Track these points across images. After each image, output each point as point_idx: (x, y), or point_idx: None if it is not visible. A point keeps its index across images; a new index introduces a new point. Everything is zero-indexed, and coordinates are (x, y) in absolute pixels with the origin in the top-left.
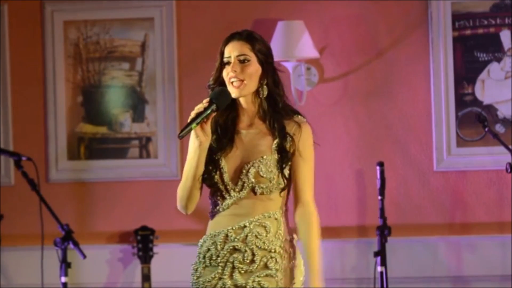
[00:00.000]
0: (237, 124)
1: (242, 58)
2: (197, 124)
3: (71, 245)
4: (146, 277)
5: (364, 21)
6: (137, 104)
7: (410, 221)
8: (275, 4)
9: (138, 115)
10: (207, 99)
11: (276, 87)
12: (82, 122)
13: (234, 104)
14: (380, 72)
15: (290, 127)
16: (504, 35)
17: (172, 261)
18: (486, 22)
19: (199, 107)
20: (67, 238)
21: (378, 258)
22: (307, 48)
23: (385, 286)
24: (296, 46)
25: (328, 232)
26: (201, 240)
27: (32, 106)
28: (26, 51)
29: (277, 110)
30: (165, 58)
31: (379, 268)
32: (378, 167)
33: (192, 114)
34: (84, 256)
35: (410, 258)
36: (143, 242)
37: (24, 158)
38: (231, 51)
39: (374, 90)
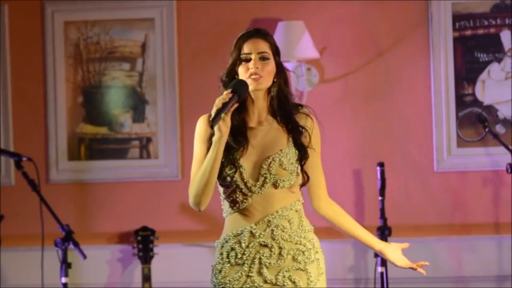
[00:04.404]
0: (247, 122)
1: (263, 55)
2: (225, 113)
3: (71, 246)
4: (146, 278)
5: (364, 22)
6: (138, 104)
7: (410, 222)
8: (275, 4)
9: (139, 116)
10: (229, 90)
11: (286, 86)
12: (82, 123)
13: (243, 102)
14: (381, 73)
15: (301, 119)
16: (505, 35)
17: (173, 261)
18: (486, 23)
19: (223, 98)
20: (68, 238)
21: (379, 259)
22: (308, 48)
23: (385, 286)
24: (296, 46)
25: (328, 232)
26: (221, 240)
27: (33, 106)
28: (27, 51)
29: (287, 108)
30: (165, 58)
31: (379, 269)
32: (378, 168)
33: (218, 104)
34: (85, 257)
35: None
36: (143, 242)
37: (24, 159)
38: (252, 48)
39: (374, 90)
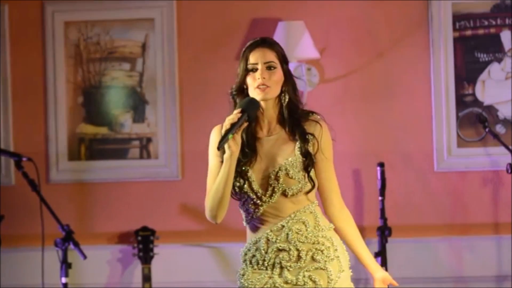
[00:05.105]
0: (256, 132)
1: (269, 65)
2: (233, 134)
3: (71, 246)
4: (146, 278)
5: (364, 22)
6: (138, 104)
7: (410, 222)
8: (275, 4)
9: (139, 116)
10: (238, 110)
11: (295, 94)
12: (82, 123)
13: None
14: (381, 73)
15: (310, 127)
16: (505, 35)
17: (173, 261)
18: (486, 23)
19: (232, 118)
20: (68, 238)
21: (379, 259)
22: (308, 48)
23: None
24: (296, 46)
25: None
26: (244, 249)
27: (33, 106)
28: (27, 52)
29: (296, 116)
30: (165, 58)
31: None
32: (378, 168)
33: (226, 125)
34: (85, 257)
35: (410, 259)
36: (143, 242)
37: (24, 159)
38: (258, 58)
39: (374, 90)
